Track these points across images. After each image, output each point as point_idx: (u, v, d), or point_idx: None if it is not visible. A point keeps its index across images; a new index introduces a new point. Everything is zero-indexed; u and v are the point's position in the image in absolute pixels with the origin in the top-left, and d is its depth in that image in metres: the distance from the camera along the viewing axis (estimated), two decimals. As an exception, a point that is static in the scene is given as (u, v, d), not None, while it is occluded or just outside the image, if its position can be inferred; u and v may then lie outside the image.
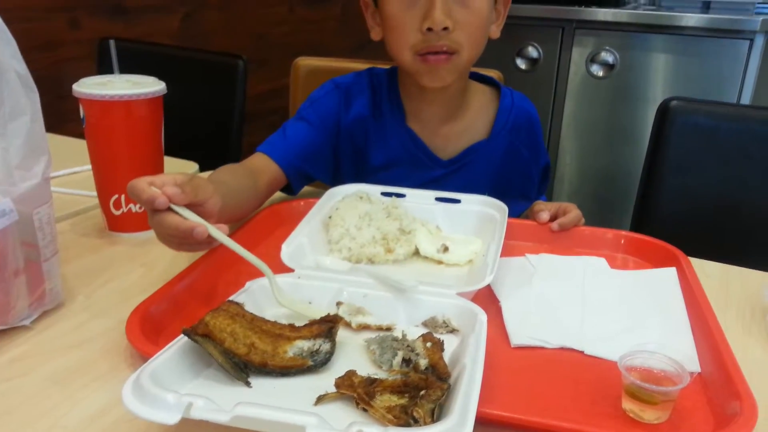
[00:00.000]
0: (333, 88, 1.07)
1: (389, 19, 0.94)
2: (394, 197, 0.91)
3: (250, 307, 0.64)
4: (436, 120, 1.05)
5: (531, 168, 1.11)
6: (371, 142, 1.06)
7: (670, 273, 0.82)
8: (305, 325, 0.63)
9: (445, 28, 0.90)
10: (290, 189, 1.03)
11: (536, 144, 1.11)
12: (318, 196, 0.93)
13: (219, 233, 0.69)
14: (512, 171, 1.08)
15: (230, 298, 0.64)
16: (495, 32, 1.01)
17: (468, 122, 1.06)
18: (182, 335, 0.57)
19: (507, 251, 0.82)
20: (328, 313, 0.65)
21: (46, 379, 0.60)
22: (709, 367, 0.63)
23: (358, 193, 0.90)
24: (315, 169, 1.04)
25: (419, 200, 0.92)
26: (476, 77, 1.10)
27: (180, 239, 0.70)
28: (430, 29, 0.90)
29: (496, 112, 1.07)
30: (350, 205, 0.86)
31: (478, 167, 1.06)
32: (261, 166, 0.97)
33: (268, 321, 0.63)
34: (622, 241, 0.91)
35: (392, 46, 0.97)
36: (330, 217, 0.86)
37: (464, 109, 1.06)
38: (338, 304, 0.69)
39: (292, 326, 0.63)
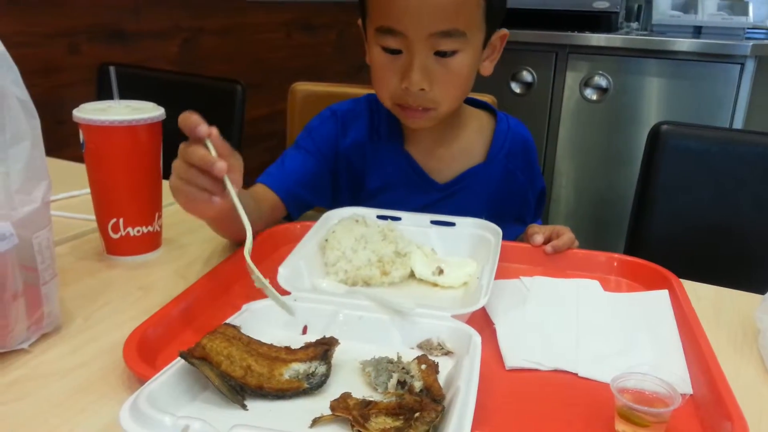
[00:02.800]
0: (329, 115, 1.08)
1: (373, 65, 0.95)
2: (389, 220, 0.92)
3: (246, 330, 0.64)
4: (432, 142, 1.06)
5: (527, 192, 1.12)
6: (368, 165, 1.07)
7: (662, 295, 0.82)
8: (301, 348, 0.63)
9: (422, 89, 0.90)
10: (290, 216, 1.04)
11: (532, 168, 1.12)
12: (314, 219, 0.93)
13: (231, 187, 0.74)
14: (508, 195, 1.09)
15: (227, 321, 0.65)
16: (487, 69, 1.00)
17: (464, 145, 1.07)
18: (179, 358, 0.58)
19: (501, 273, 0.83)
20: (324, 336, 0.65)
21: (44, 402, 0.60)
22: (701, 388, 0.63)
23: (354, 217, 0.91)
24: (313, 196, 1.06)
25: (414, 223, 0.93)
26: (471, 102, 1.12)
27: (196, 174, 0.74)
28: (407, 88, 0.91)
29: (491, 136, 1.08)
30: (346, 228, 0.87)
31: (475, 191, 1.07)
32: (261, 193, 0.99)
33: (264, 344, 0.63)
34: (615, 264, 0.91)
35: (375, 89, 0.98)
36: (326, 240, 0.86)
37: (459, 131, 1.07)
38: None
39: (287, 349, 0.63)
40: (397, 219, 0.93)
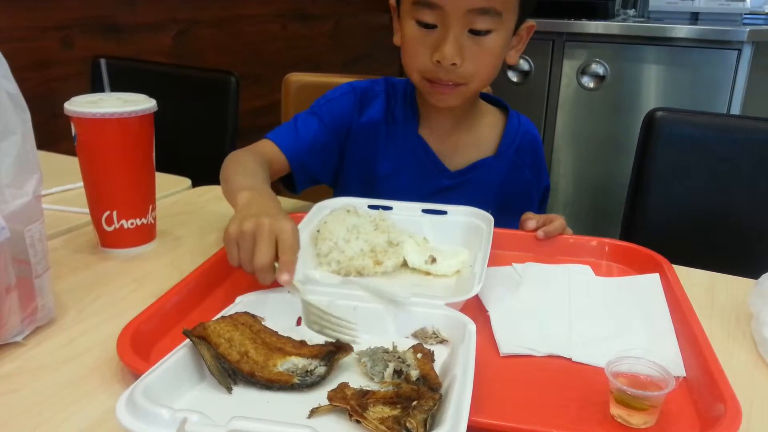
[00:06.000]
0: (350, 90, 1.08)
1: (405, 39, 0.96)
2: (381, 210, 0.92)
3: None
4: (447, 128, 1.06)
5: (532, 189, 1.12)
6: (381, 147, 1.07)
7: (653, 279, 0.83)
8: (312, 345, 0.63)
9: (454, 64, 0.91)
10: (293, 186, 1.04)
11: (539, 166, 1.12)
12: (306, 209, 0.93)
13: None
14: (514, 190, 1.10)
15: (221, 313, 0.65)
16: (513, 58, 1.01)
17: (477, 136, 1.08)
18: (174, 350, 0.58)
19: (493, 261, 0.83)
20: (338, 339, 0.64)
21: (38, 395, 0.60)
22: (693, 370, 0.64)
23: (346, 207, 0.91)
24: (318, 167, 1.05)
25: (406, 212, 0.92)
26: (484, 98, 1.12)
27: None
28: (439, 61, 0.91)
29: (503, 131, 1.09)
30: (338, 218, 0.87)
31: (484, 182, 1.08)
32: (271, 154, 0.98)
33: (275, 335, 0.63)
34: (606, 249, 0.92)
35: (405, 63, 0.98)
36: (318, 231, 0.86)
37: (474, 121, 1.07)
38: None
39: (296, 342, 0.63)
40: (389, 208, 0.93)
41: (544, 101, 2.55)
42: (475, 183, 1.07)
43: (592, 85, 2.46)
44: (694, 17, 2.44)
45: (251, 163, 0.92)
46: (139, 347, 0.64)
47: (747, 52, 2.19)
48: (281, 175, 1.02)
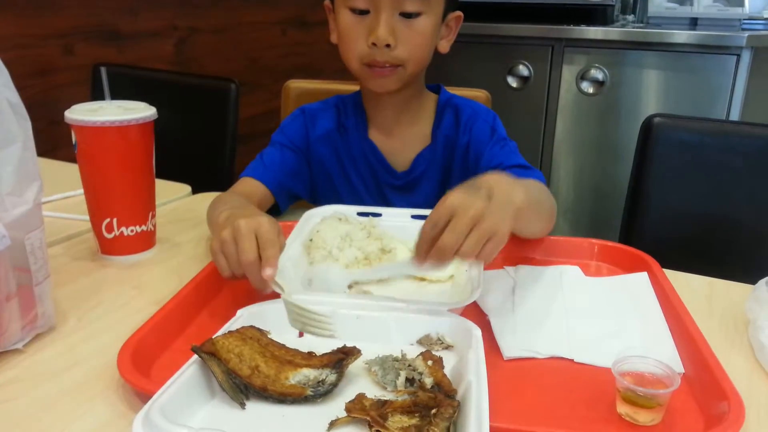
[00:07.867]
0: (299, 112, 1.13)
1: (341, 28, 1.01)
2: (370, 217, 0.92)
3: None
4: (391, 122, 1.09)
5: (481, 161, 1.06)
6: (338, 156, 1.11)
7: (642, 277, 0.84)
8: (321, 354, 0.62)
9: (388, 45, 0.95)
10: (277, 209, 1.06)
11: (486, 138, 1.07)
12: (294, 218, 0.93)
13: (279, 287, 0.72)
14: (462, 170, 1.08)
15: (224, 327, 0.64)
16: (444, 47, 1.05)
17: (420, 128, 1.10)
18: (184, 367, 0.58)
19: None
20: (344, 344, 0.63)
21: (38, 402, 0.60)
22: (691, 366, 0.65)
23: (336, 215, 0.90)
24: (297, 185, 1.10)
25: (395, 219, 0.92)
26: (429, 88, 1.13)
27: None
28: (374, 44, 0.96)
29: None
30: (330, 227, 0.87)
31: (428, 174, 1.09)
32: (249, 189, 1.02)
33: (284, 347, 0.63)
34: (595, 249, 0.93)
35: (342, 53, 1.02)
36: (311, 240, 0.86)
37: (418, 113, 1.09)
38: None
39: (305, 354, 0.62)
40: (378, 215, 0.93)
41: (544, 107, 2.55)
42: (423, 178, 1.09)
43: (591, 90, 2.46)
44: (693, 23, 2.44)
45: (232, 196, 0.97)
46: (140, 363, 0.63)
47: (746, 57, 2.18)
48: (268, 204, 1.05)
